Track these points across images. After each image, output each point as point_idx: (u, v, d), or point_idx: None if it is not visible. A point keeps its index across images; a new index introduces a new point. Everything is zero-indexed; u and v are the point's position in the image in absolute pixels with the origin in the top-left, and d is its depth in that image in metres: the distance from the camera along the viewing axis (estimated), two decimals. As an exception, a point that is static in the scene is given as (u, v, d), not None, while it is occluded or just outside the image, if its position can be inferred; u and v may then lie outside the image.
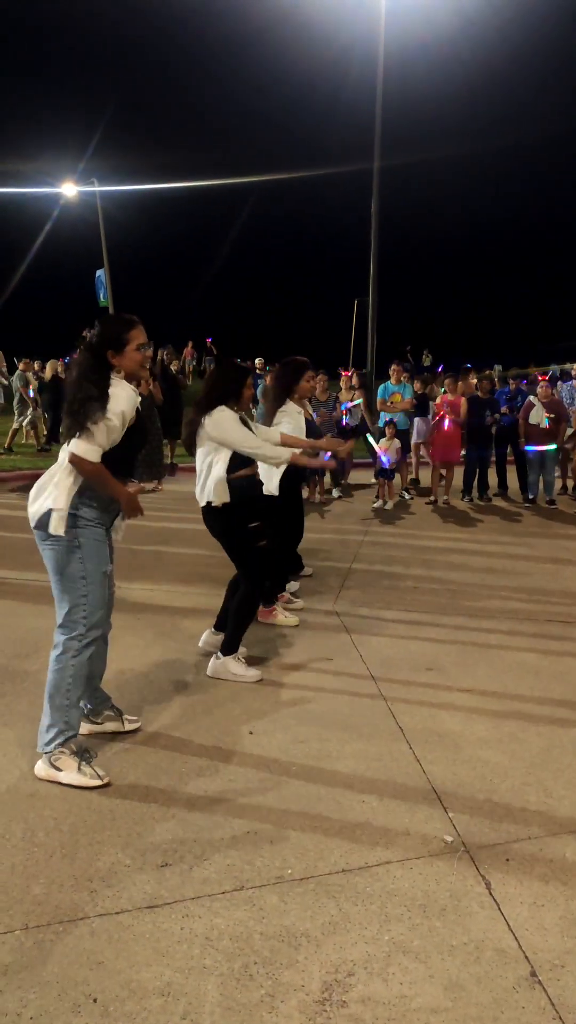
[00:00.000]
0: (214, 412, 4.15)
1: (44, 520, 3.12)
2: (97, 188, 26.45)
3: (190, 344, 27.15)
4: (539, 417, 10.10)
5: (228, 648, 4.28)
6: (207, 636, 4.62)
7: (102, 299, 27.51)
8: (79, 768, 3.13)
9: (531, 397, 10.46)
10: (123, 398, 3.10)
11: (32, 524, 3.18)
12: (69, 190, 26.91)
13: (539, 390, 10.37)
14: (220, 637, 4.46)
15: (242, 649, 4.49)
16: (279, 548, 5.37)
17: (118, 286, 28.29)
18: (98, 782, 3.11)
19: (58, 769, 3.14)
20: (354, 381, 11.69)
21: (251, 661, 4.43)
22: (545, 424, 10.07)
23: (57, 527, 3.08)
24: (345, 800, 3.05)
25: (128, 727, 3.56)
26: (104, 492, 3.15)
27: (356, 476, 11.93)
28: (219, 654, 4.28)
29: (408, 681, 4.24)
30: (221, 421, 4.13)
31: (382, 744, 3.51)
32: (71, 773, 3.12)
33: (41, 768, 3.18)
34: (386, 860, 2.67)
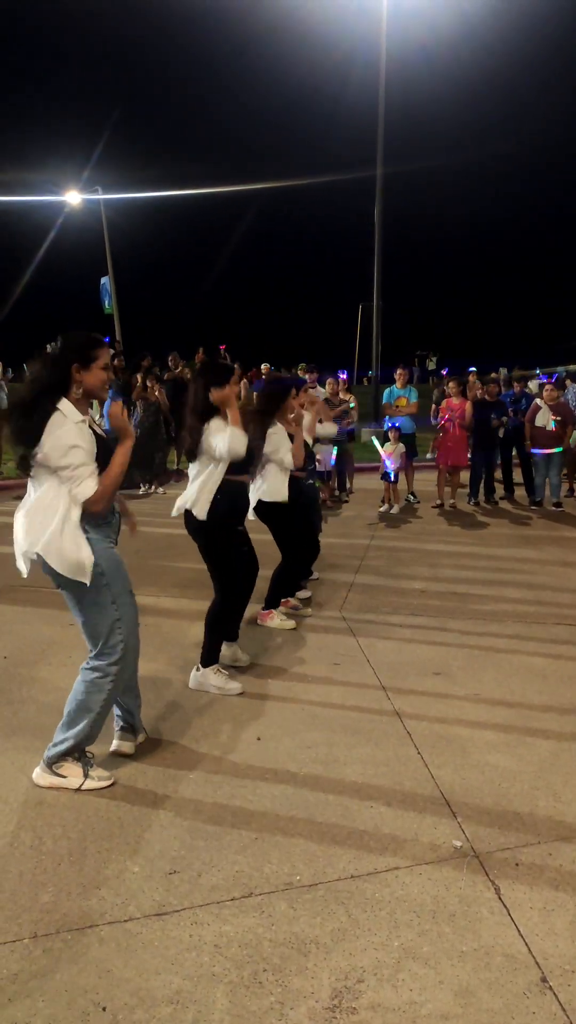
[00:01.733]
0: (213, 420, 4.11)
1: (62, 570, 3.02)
2: (101, 196, 26.56)
3: (201, 351, 26.96)
4: (545, 420, 10.09)
5: (208, 659, 4.23)
6: (223, 649, 4.49)
7: (107, 306, 27.59)
8: (86, 774, 3.15)
9: (537, 400, 10.45)
10: (72, 434, 2.96)
11: (45, 571, 3.08)
12: (73, 198, 27.03)
13: (545, 393, 10.36)
14: (233, 649, 4.47)
15: (244, 656, 4.49)
16: (294, 558, 5.38)
17: (123, 293, 28.37)
18: (107, 783, 3.16)
19: (62, 776, 3.15)
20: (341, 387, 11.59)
21: (256, 666, 4.42)
22: (551, 427, 10.06)
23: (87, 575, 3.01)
24: (353, 805, 3.04)
25: (140, 739, 3.51)
26: (116, 473, 3.03)
27: (362, 481, 11.92)
28: (199, 666, 4.24)
29: (416, 685, 4.23)
30: (218, 431, 4.07)
31: (390, 749, 3.50)
32: (77, 779, 3.14)
33: (43, 776, 3.18)
34: (395, 866, 2.66)
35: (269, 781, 3.22)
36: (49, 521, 3.01)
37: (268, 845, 2.77)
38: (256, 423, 5.05)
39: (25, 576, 3.14)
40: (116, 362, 13.04)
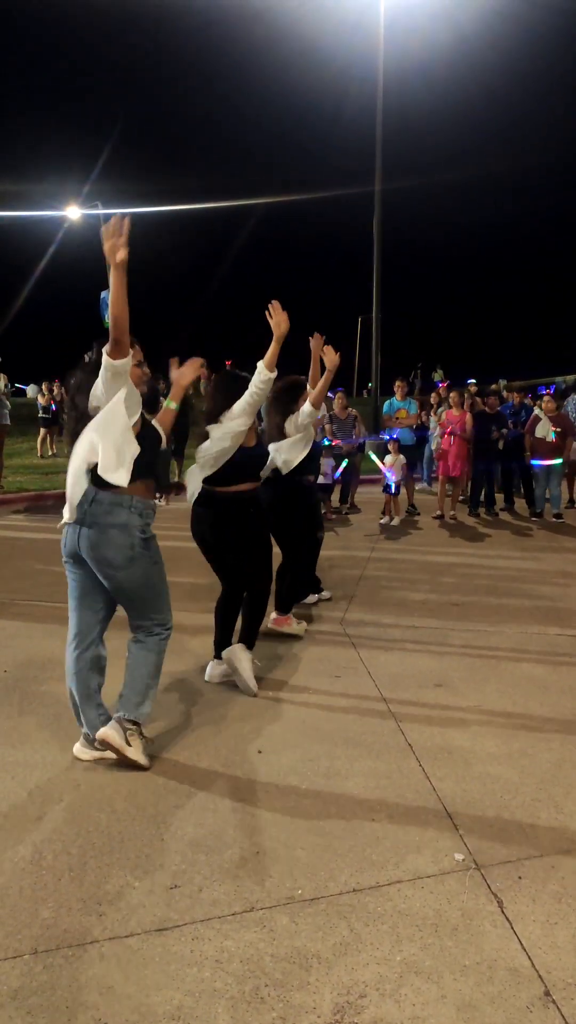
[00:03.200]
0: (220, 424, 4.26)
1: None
2: (101, 211, 26.69)
3: (202, 364, 26.89)
4: (545, 431, 10.11)
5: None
6: (212, 668, 4.54)
7: (106, 320, 27.67)
8: (143, 750, 3.41)
9: (537, 411, 10.47)
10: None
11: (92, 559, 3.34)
12: (74, 213, 27.18)
13: (544, 404, 10.38)
14: (223, 668, 4.47)
15: (256, 663, 4.51)
16: (295, 559, 5.40)
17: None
18: (147, 764, 3.40)
19: (129, 744, 3.36)
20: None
21: (258, 679, 4.41)
22: (551, 438, 10.07)
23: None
24: (355, 818, 3.03)
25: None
26: (123, 297, 3.19)
27: (362, 493, 11.93)
28: (242, 644, 4.38)
29: (417, 697, 4.22)
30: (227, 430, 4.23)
31: (391, 761, 3.49)
32: (138, 752, 3.38)
33: (115, 736, 3.35)
34: (397, 879, 2.65)
35: (270, 794, 3.21)
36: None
37: (269, 859, 2.76)
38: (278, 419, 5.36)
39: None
40: None
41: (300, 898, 2.55)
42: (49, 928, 2.42)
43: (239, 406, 4.22)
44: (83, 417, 3.33)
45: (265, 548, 4.46)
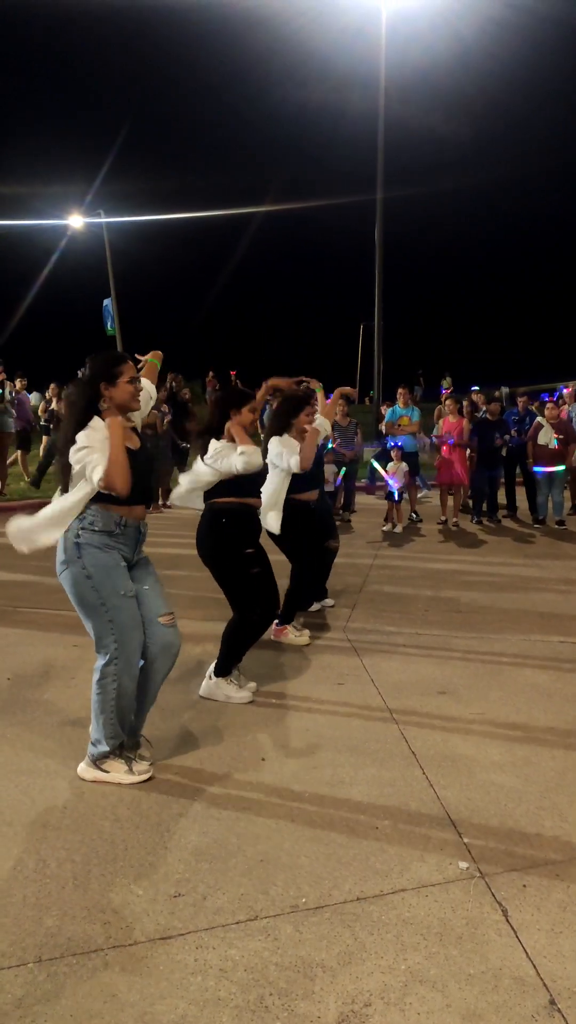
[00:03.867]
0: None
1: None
2: (104, 219, 26.80)
3: (211, 374, 26.83)
4: (547, 438, 10.12)
5: (221, 670, 4.27)
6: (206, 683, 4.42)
7: (109, 328, 27.75)
8: (128, 769, 3.34)
9: (539, 418, 10.49)
10: (100, 441, 3.17)
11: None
12: (76, 222, 27.27)
13: (547, 411, 10.40)
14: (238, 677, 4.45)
15: (251, 684, 4.47)
16: (304, 571, 5.39)
17: (125, 315, 28.52)
18: (145, 776, 3.34)
19: (104, 771, 3.34)
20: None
21: (261, 686, 4.41)
22: (554, 445, 10.08)
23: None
24: (359, 827, 3.02)
25: (138, 767, 3.44)
26: (123, 460, 3.15)
27: (365, 500, 11.94)
28: (211, 674, 4.28)
29: (420, 705, 4.22)
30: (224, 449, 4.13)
31: (395, 769, 3.49)
32: (120, 774, 3.32)
33: (86, 770, 3.36)
34: (401, 888, 2.64)
35: (274, 802, 3.21)
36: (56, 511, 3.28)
37: (273, 867, 2.76)
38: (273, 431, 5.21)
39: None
40: None
41: (304, 907, 2.55)
42: (53, 936, 2.41)
43: (203, 468, 4.17)
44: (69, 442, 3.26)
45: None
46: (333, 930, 2.44)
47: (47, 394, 18.80)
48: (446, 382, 27.02)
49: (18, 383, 13.54)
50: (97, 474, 3.11)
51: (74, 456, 3.17)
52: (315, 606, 6.11)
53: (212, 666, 4.32)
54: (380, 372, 19.62)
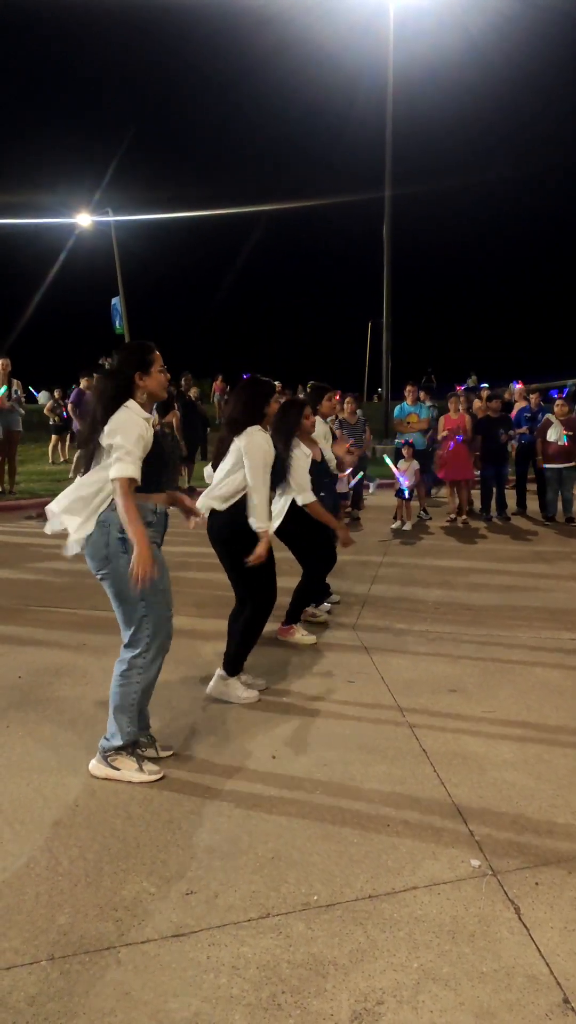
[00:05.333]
0: (250, 432, 4.14)
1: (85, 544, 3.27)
2: (112, 218, 26.83)
3: (220, 378, 26.68)
4: (557, 435, 10.08)
5: (232, 668, 4.27)
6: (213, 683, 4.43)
7: (118, 326, 27.79)
8: (140, 767, 3.36)
9: (548, 415, 10.45)
10: (140, 423, 3.20)
11: (80, 550, 3.30)
12: (84, 220, 27.30)
13: (556, 408, 10.35)
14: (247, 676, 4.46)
15: (259, 681, 4.47)
16: (312, 573, 5.38)
17: (133, 313, 28.56)
18: (156, 776, 3.35)
19: (115, 768, 3.36)
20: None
21: (270, 684, 4.41)
22: (563, 442, 10.04)
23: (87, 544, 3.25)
24: (370, 824, 3.02)
25: (162, 754, 3.55)
26: (128, 517, 3.13)
27: (374, 498, 11.92)
28: (223, 672, 4.27)
29: (431, 703, 4.21)
30: (254, 446, 4.11)
31: (406, 767, 3.48)
32: (130, 772, 3.35)
33: (98, 767, 3.39)
34: (413, 885, 2.64)
35: (285, 800, 3.21)
36: (85, 491, 3.24)
37: (285, 865, 2.76)
38: (281, 440, 5.02)
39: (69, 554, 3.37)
40: None
41: (316, 904, 2.55)
42: (66, 934, 2.42)
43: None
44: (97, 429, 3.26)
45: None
46: (345, 928, 2.44)
47: (55, 393, 18.86)
48: (472, 380, 26.88)
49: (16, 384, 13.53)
50: (124, 469, 3.10)
51: (116, 433, 3.15)
52: (324, 606, 6.05)
53: (220, 667, 4.31)
54: (388, 369, 19.61)
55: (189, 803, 3.18)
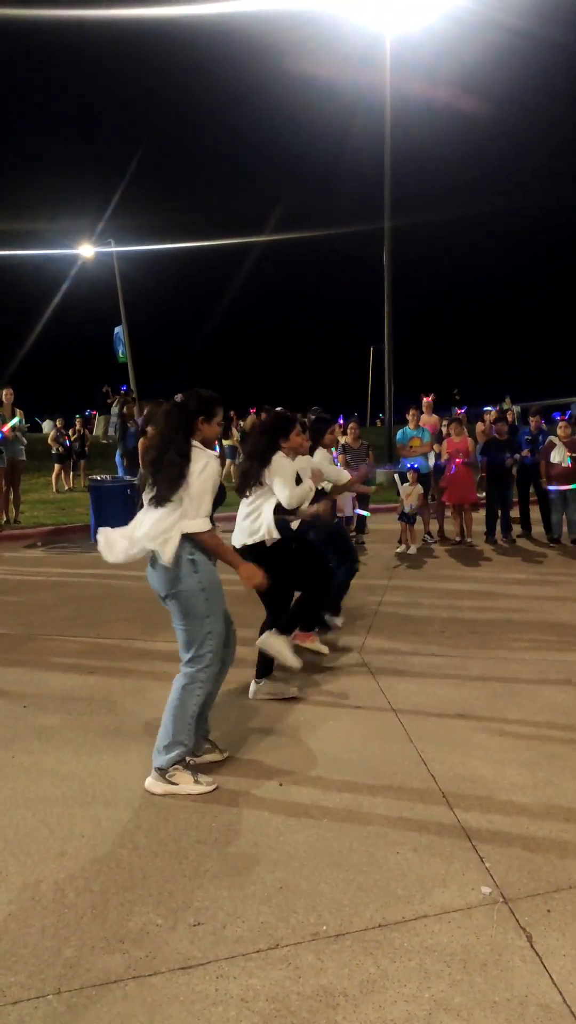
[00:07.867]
0: (273, 460, 4.50)
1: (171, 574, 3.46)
2: (114, 248, 27.10)
3: (232, 413, 26.71)
4: (561, 456, 10.08)
5: (285, 628, 4.63)
6: (254, 687, 4.71)
7: (120, 355, 27.98)
8: (196, 780, 3.48)
9: (552, 437, 10.45)
10: (216, 469, 3.46)
11: (154, 585, 3.52)
12: (87, 251, 27.58)
13: (559, 430, 10.36)
14: (268, 685, 4.68)
15: (292, 689, 4.68)
16: (316, 588, 5.37)
17: (136, 341, 28.74)
18: (212, 787, 3.49)
19: (174, 783, 3.46)
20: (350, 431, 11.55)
21: (274, 712, 4.38)
22: (567, 463, 10.04)
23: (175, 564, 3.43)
24: (379, 851, 2.99)
25: (223, 756, 3.80)
26: (222, 557, 3.55)
27: (378, 522, 11.90)
28: (275, 630, 4.58)
29: (438, 727, 4.18)
30: (280, 469, 4.48)
31: (414, 792, 3.45)
32: (188, 785, 3.46)
33: (156, 784, 3.48)
34: (423, 914, 2.60)
35: (292, 828, 3.18)
36: (166, 522, 3.42)
37: (293, 894, 2.73)
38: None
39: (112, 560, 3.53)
40: (126, 410, 13.36)
41: (325, 934, 2.51)
42: (72, 967, 2.39)
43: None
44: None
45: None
46: (355, 958, 2.40)
47: (57, 423, 18.93)
48: (506, 403, 26.80)
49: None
50: (198, 525, 3.39)
51: (195, 478, 3.37)
52: (335, 622, 6.11)
53: (271, 629, 4.61)
54: (391, 394, 19.66)
55: (195, 832, 3.15)
